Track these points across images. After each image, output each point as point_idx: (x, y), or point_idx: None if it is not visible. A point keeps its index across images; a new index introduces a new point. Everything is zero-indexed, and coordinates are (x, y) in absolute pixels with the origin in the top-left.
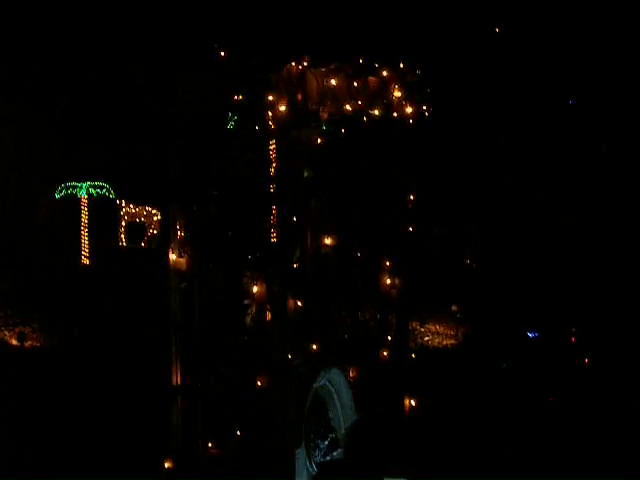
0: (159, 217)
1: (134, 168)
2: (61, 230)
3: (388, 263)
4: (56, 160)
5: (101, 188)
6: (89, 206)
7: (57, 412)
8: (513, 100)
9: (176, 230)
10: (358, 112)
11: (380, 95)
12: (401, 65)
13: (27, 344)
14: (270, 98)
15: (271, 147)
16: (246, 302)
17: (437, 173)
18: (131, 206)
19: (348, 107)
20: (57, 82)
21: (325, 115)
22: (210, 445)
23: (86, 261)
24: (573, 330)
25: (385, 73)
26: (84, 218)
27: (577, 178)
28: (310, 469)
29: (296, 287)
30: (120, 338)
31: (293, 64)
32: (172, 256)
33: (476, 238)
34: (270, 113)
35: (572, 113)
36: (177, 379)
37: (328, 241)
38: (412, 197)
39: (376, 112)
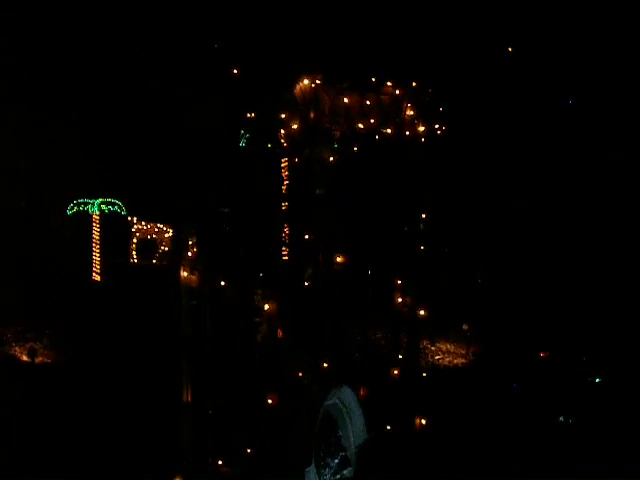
0: (170, 234)
1: (146, 185)
2: (72, 247)
3: (399, 282)
4: (68, 176)
5: (113, 205)
6: (101, 223)
7: (67, 428)
8: (527, 120)
9: (187, 247)
10: (370, 130)
11: (392, 113)
12: (413, 84)
13: (37, 360)
14: (282, 116)
15: (283, 165)
16: (257, 320)
17: (449, 192)
18: (143, 223)
19: (360, 125)
20: (71, 97)
21: (337, 133)
22: (220, 463)
23: (97, 278)
24: (585, 348)
25: (397, 91)
26: (96, 235)
27: (590, 198)
28: None
29: (307, 305)
30: (131, 355)
31: (306, 82)
32: (183, 273)
33: (488, 257)
34: (282, 131)
35: (588, 132)
36: (188, 396)
37: (340, 259)
38: (424, 216)
39: (388, 130)
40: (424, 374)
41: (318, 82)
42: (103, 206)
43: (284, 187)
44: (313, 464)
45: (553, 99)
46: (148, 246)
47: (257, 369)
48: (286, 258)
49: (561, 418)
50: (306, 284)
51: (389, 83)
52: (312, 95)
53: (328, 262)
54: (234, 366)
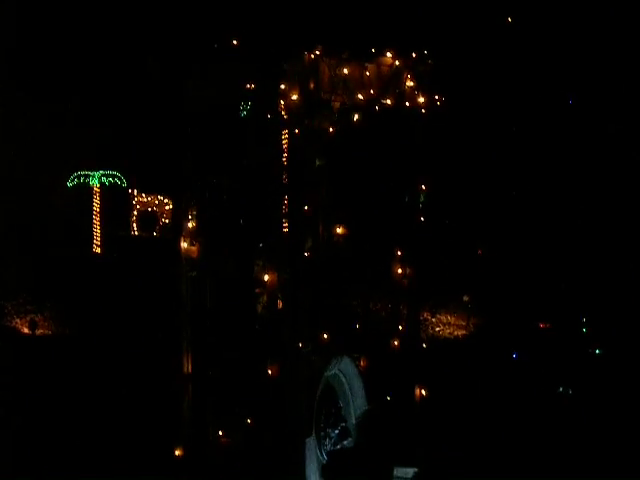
0: (171, 206)
1: (146, 157)
2: (73, 219)
3: (400, 253)
4: (69, 149)
5: (113, 177)
6: (101, 195)
7: (67, 399)
8: (526, 90)
9: (188, 219)
10: (370, 101)
11: (392, 84)
12: (413, 55)
13: (38, 332)
14: (283, 87)
15: (283, 136)
16: (257, 291)
17: (449, 162)
18: (143, 195)
19: (360, 96)
20: (71, 71)
21: (337, 104)
22: (220, 433)
23: (98, 250)
24: (585, 320)
25: (397, 62)
26: (96, 207)
27: (590, 168)
28: (320, 458)
29: (307, 276)
30: (131, 327)
31: (306, 53)
32: (183, 244)
33: (487, 228)
34: (282, 102)
35: (585, 106)
36: (188, 367)
37: (340, 230)
38: (424, 187)
39: (388, 101)
40: (424, 345)
41: (318, 53)
42: (104, 178)
43: (284, 158)
44: (314, 434)
45: (553, 71)
46: (149, 218)
47: (257, 340)
48: (286, 229)
49: (560, 389)
50: (306, 255)
51: (389, 54)
52: (312, 66)
53: (328, 233)
54: (234, 337)
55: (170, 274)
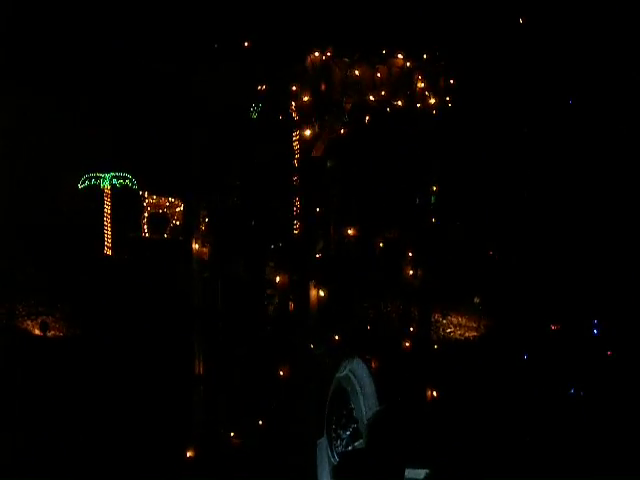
0: (181, 208)
1: (157, 159)
2: (84, 221)
3: (411, 254)
4: (80, 151)
5: (124, 179)
6: (112, 197)
7: (79, 400)
8: (537, 91)
9: (199, 220)
10: (381, 102)
11: (403, 86)
12: (425, 56)
13: (50, 334)
14: (294, 88)
15: (294, 137)
16: (269, 292)
17: (460, 164)
18: (154, 197)
19: (371, 97)
20: (81, 73)
21: (348, 105)
22: (232, 434)
23: (109, 251)
24: (596, 321)
25: (409, 64)
26: (107, 209)
27: (601, 170)
28: (332, 459)
29: (319, 277)
30: (143, 328)
31: (317, 54)
32: (195, 246)
33: (498, 229)
34: (294, 103)
35: (597, 107)
36: (199, 369)
37: (351, 232)
38: (435, 188)
39: (399, 102)
40: (435, 347)
41: (329, 54)
42: (115, 180)
43: (295, 159)
44: (325, 436)
45: (565, 72)
46: (159, 220)
47: (268, 341)
48: (297, 231)
49: (572, 390)
50: (317, 256)
51: (400, 55)
52: (323, 67)
53: (339, 235)
54: (246, 338)
55: (181, 275)
